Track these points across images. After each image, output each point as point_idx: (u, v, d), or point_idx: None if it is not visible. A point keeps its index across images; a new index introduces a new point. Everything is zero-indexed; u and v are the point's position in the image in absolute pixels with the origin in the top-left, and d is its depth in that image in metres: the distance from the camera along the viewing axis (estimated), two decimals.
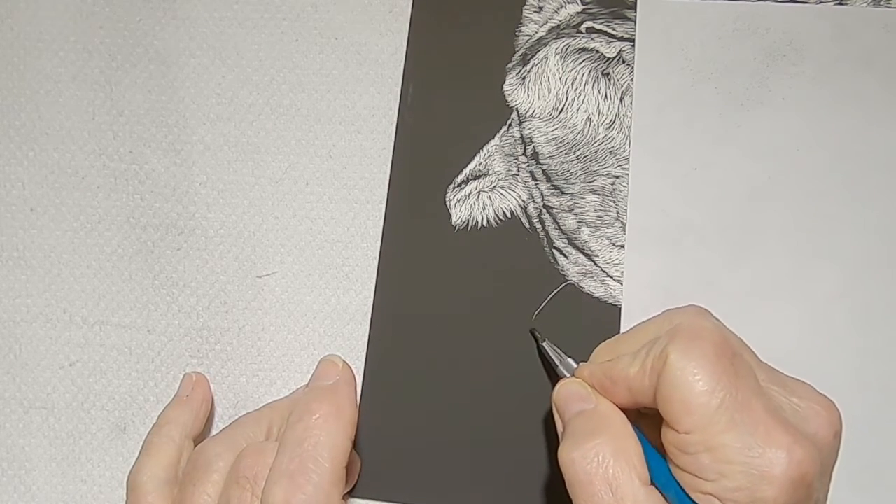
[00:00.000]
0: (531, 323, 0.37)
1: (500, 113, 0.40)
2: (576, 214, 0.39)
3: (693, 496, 0.27)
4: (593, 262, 0.38)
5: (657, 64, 0.40)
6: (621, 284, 0.38)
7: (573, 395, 0.31)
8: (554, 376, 0.35)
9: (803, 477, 0.26)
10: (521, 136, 0.40)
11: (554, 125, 0.40)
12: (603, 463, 0.27)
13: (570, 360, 0.34)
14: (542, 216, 0.39)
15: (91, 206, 0.40)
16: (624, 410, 0.30)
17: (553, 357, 0.35)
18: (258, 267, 0.39)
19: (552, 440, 0.36)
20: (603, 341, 0.33)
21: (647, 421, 0.30)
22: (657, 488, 0.28)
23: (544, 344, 0.36)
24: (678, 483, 0.27)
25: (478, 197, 0.39)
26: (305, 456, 0.30)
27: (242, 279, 0.39)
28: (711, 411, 0.26)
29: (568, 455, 0.28)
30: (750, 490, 0.26)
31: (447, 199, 0.39)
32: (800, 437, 0.26)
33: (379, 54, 0.41)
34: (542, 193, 0.39)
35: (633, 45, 0.40)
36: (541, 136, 0.40)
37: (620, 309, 0.37)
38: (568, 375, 0.33)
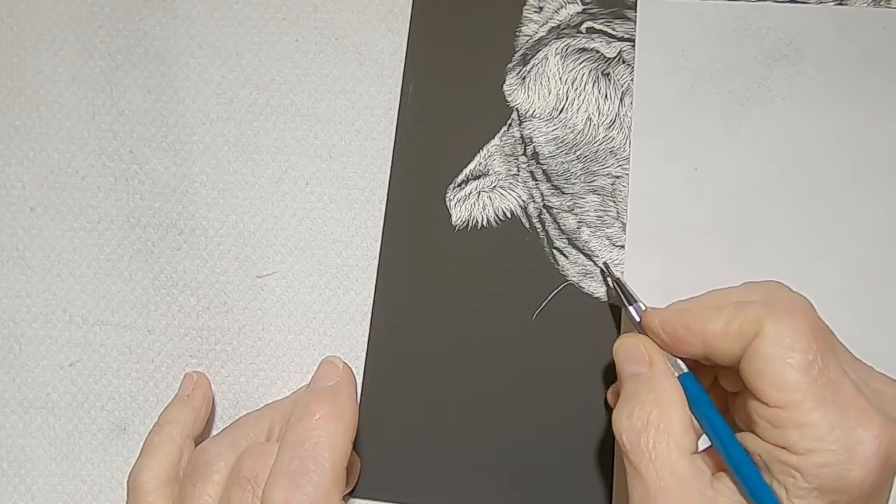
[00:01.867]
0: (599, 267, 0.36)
1: (500, 113, 0.40)
2: (576, 214, 0.39)
3: (775, 466, 0.26)
4: (593, 262, 0.38)
5: (657, 64, 0.40)
6: None
7: (630, 354, 0.31)
8: (620, 318, 0.34)
9: (890, 458, 0.26)
10: (522, 136, 0.40)
11: (554, 125, 0.40)
12: (645, 432, 0.28)
13: (641, 303, 0.33)
14: (542, 216, 0.39)
15: (91, 206, 0.40)
16: (685, 359, 0.30)
17: (622, 299, 0.34)
18: (258, 267, 0.39)
19: (552, 440, 0.36)
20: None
21: (706, 371, 0.30)
22: (721, 454, 0.28)
23: (614, 283, 0.35)
24: (746, 453, 0.27)
25: (478, 197, 0.39)
26: (306, 456, 0.30)
27: (242, 279, 0.39)
28: (804, 388, 0.26)
29: (619, 422, 0.29)
30: (837, 468, 0.25)
31: (447, 199, 0.39)
32: (888, 420, 0.26)
33: (379, 54, 0.41)
34: (542, 193, 0.39)
35: (633, 45, 0.40)
36: (541, 136, 0.40)
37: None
38: (637, 319, 0.32)
